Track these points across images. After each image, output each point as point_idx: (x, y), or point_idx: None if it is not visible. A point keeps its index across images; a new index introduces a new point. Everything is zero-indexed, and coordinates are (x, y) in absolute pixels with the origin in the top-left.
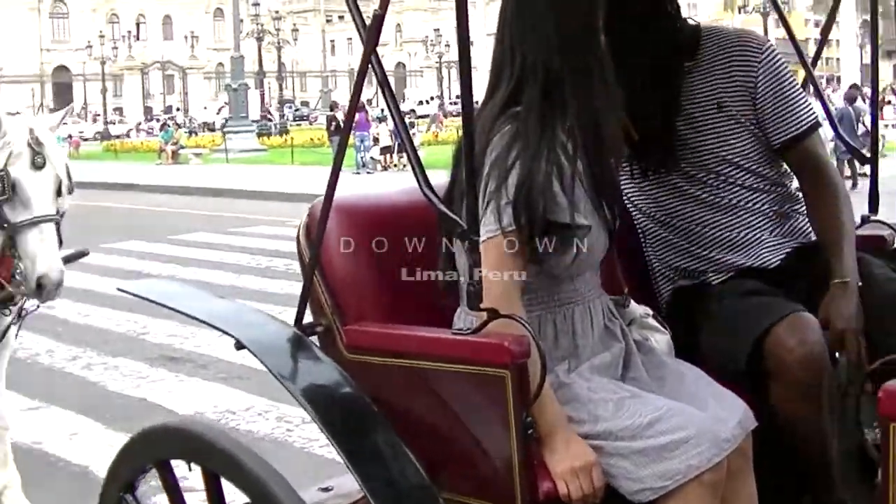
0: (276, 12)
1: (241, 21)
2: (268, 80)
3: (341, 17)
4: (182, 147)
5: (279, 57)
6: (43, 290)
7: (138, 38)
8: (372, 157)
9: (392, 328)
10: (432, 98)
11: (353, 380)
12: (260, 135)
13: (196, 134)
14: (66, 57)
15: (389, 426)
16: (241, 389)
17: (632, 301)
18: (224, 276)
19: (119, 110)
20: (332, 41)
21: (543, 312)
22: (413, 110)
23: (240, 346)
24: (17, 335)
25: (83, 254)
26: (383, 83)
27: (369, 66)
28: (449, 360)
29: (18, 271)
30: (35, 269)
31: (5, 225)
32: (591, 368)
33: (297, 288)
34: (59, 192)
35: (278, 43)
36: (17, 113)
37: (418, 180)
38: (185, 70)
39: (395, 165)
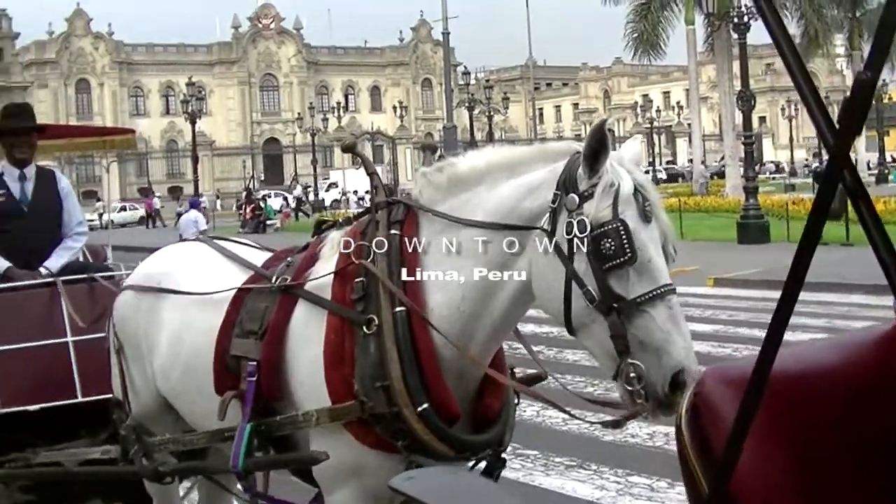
0: (487, 81)
1: (452, 91)
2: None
3: (549, 85)
4: None
5: (490, 125)
6: (680, 391)
7: (347, 110)
8: None
9: None
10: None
11: None
12: None
13: None
14: (276, 129)
15: None
16: None
17: None
18: None
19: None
20: (541, 109)
21: None
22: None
23: None
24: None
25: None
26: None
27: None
28: None
29: (632, 374)
30: (670, 360)
31: (615, 304)
32: None
33: None
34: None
35: (489, 112)
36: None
37: None
38: (394, 140)
39: None
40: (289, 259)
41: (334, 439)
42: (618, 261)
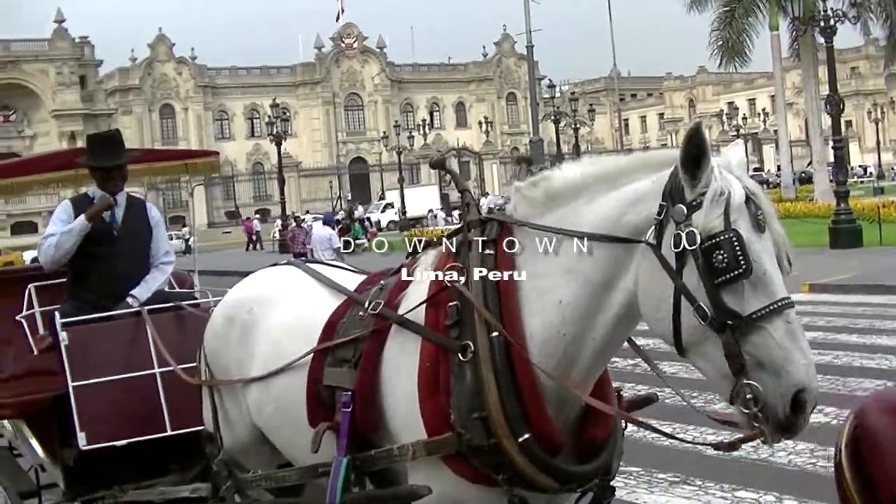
0: (573, 93)
1: (537, 104)
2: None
3: (633, 96)
4: None
5: (576, 138)
6: (801, 412)
7: (432, 127)
8: None
9: None
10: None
11: None
12: None
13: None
14: (361, 148)
15: None
16: None
17: None
18: None
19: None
20: (626, 120)
21: None
22: None
23: None
24: None
25: (651, 400)
26: None
27: None
28: None
29: (749, 396)
30: (790, 379)
31: (729, 321)
32: None
33: None
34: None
35: (575, 124)
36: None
37: None
38: (480, 156)
39: None
40: (382, 282)
41: (432, 472)
42: (731, 274)
